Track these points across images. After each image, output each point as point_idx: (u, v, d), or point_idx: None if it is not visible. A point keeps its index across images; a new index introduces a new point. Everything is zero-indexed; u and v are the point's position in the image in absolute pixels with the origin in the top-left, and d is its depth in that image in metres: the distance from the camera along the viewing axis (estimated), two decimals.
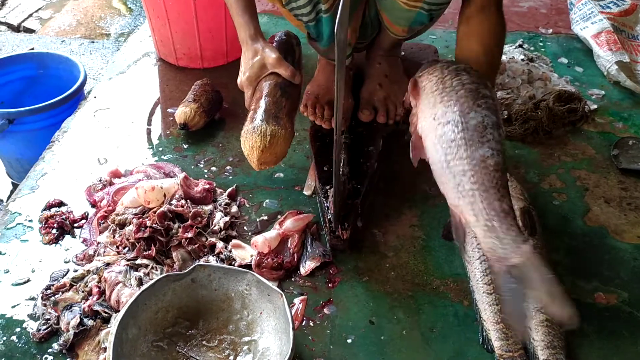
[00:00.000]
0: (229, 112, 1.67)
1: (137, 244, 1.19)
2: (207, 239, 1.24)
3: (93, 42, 2.78)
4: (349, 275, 1.21)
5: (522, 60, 1.87)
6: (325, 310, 1.14)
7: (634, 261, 1.25)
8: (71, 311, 1.09)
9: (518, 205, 1.27)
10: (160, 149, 1.53)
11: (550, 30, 2.15)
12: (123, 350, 0.97)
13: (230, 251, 1.23)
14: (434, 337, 1.10)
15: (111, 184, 1.37)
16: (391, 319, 1.13)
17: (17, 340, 1.06)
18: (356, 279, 1.20)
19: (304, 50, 1.59)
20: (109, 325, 1.07)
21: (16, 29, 3.03)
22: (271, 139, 1.20)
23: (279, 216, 1.33)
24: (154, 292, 1.05)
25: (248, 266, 1.20)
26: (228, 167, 1.47)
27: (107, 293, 1.11)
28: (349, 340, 1.09)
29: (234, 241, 1.25)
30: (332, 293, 1.17)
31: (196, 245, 1.22)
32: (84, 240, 1.25)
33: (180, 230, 1.23)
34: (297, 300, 1.15)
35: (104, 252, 1.20)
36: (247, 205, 1.37)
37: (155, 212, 1.23)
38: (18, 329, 1.08)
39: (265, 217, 1.33)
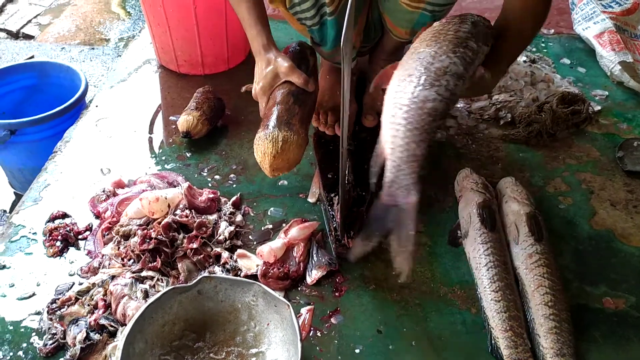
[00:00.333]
0: (231, 119, 1.67)
1: (142, 255, 1.18)
2: (212, 249, 1.24)
3: (93, 48, 2.78)
4: (356, 284, 1.21)
5: (525, 62, 1.87)
6: (333, 320, 1.13)
7: None
8: (77, 325, 1.08)
9: (524, 210, 1.27)
10: (163, 157, 1.53)
11: (552, 31, 2.14)
12: None
13: (235, 261, 1.23)
14: (442, 346, 1.09)
15: (115, 194, 1.37)
16: (399, 328, 1.12)
17: (24, 356, 1.05)
18: (363, 287, 1.20)
19: None
20: (115, 340, 1.06)
21: (15, 35, 3.02)
22: (283, 145, 1.19)
23: (283, 224, 1.32)
24: (160, 305, 1.05)
25: (254, 276, 1.20)
26: (232, 175, 1.47)
27: (113, 306, 1.10)
28: (357, 351, 1.08)
29: (239, 251, 1.25)
30: (339, 302, 1.17)
31: (201, 256, 1.21)
32: (89, 253, 1.25)
33: (185, 240, 1.22)
34: (304, 310, 1.14)
35: (109, 264, 1.19)
36: (252, 214, 1.36)
37: (159, 223, 1.23)
38: (25, 344, 1.07)
39: (270, 226, 1.33)
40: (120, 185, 1.40)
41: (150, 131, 1.63)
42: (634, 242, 1.30)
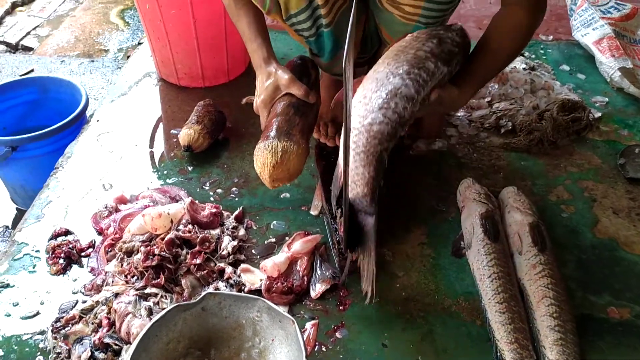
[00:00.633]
0: (233, 132, 1.67)
1: (145, 272, 1.18)
2: (215, 265, 1.24)
3: (93, 61, 2.78)
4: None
5: (524, 69, 1.87)
6: (337, 334, 1.13)
7: None
8: (82, 344, 1.08)
9: (527, 220, 1.26)
10: (165, 171, 1.53)
11: (551, 37, 2.15)
12: None
13: (239, 276, 1.23)
14: (447, 359, 1.09)
15: (117, 210, 1.37)
16: (404, 341, 1.12)
17: None
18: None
19: None
20: (120, 358, 1.06)
21: (14, 47, 3.03)
22: (282, 155, 1.19)
23: (286, 238, 1.32)
24: (164, 323, 1.04)
25: (258, 291, 1.19)
26: (234, 189, 1.47)
27: (117, 324, 1.10)
28: None
29: (242, 265, 1.25)
30: (343, 316, 1.16)
31: (205, 272, 1.21)
32: (92, 270, 1.25)
33: (188, 256, 1.22)
34: (308, 325, 1.14)
35: (113, 281, 1.19)
36: (255, 228, 1.36)
37: (163, 239, 1.23)
38: None
39: (273, 240, 1.33)
40: (122, 201, 1.40)
41: (152, 145, 1.63)
42: (637, 250, 1.30)
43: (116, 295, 1.16)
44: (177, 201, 1.40)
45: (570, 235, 1.34)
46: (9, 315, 1.15)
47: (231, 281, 1.21)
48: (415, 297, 1.20)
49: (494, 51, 1.27)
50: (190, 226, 1.28)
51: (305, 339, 1.08)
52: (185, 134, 1.53)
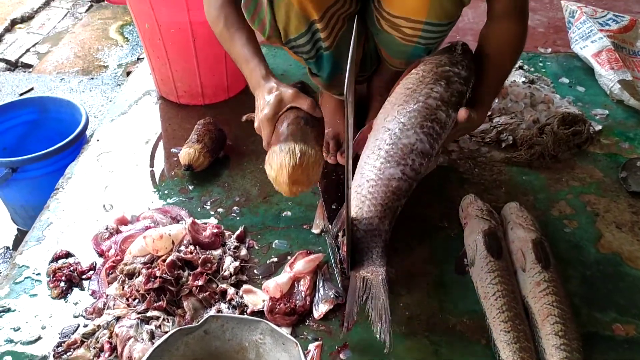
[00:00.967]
0: (233, 149, 1.67)
1: (147, 295, 1.17)
2: (217, 286, 1.23)
3: (92, 78, 2.79)
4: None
5: (524, 82, 1.87)
6: (341, 356, 1.12)
7: None
8: None
9: (530, 236, 1.26)
10: (166, 191, 1.52)
11: (550, 50, 2.15)
12: None
13: (241, 297, 1.22)
14: None
15: (118, 231, 1.36)
16: None
17: None
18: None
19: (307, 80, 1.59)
20: None
21: (14, 64, 3.04)
22: (301, 157, 1.12)
23: (288, 257, 1.32)
24: (167, 347, 1.03)
25: (260, 312, 1.19)
26: (235, 208, 1.46)
27: (119, 349, 1.09)
28: None
29: (245, 286, 1.24)
30: (347, 337, 1.15)
31: (207, 293, 1.20)
32: (93, 293, 1.24)
33: (190, 278, 1.22)
34: (311, 347, 1.13)
35: (114, 304, 1.18)
36: (257, 247, 1.35)
37: (164, 261, 1.22)
38: None
39: (275, 259, 1.32)
40: (123, 222, 1.39)
41: (152, 164, 1.62)
42: None
43: (118, 318, 1.15)
44: (178, 221, 1.39)
45: (574, 251, 1.33)
46: (11, 340, 1.14)
47: (233, 302, 1.20)
48: (419, 316, 1.19)
49: (497, 66, 1.29)
50: (191, 247, 1.27)
51: None
52: (186, 153, 1.53)
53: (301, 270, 1.25)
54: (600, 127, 1.71)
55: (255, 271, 1.29)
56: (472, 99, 1.28)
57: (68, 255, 1.32)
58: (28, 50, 3.18)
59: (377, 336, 1.02)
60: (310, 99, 1.24)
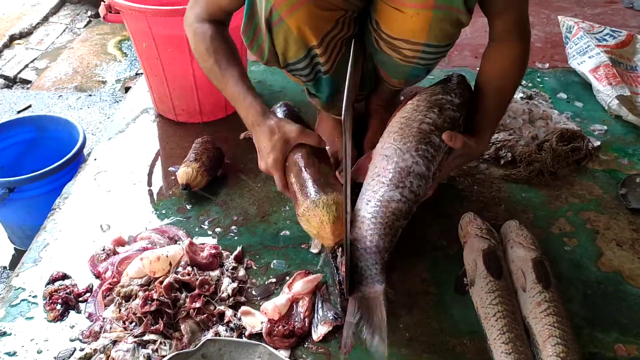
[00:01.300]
0: (231, 168, 1.66)
1: (144, 318, 1.16)
2: (215, 308, 1.22)
3: (90, 95, 2.79)
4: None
5: (522, 98, 1.87)
6: None
7: None
8: None
9: (530, 255, 1.25)
10: (164, 210, 1.51)
11: (547, 65, 2.15)
12: None
13: (239, 319, 1.21)
14: None
15: (115, 253, 1.35)
16: None
17: None
18: None
19: (303, 98, 1.60)
20: None
21: (12, 80, 3.04)
22: (337, 207, 1.14)
23: (287, 277, 1.31)
24: None
25: (259, 334, 1.17)
26: (233, 227, 1.45)
27: None
28: None
29: (243, 308, 1.23)
30: (346, 359, 1.14)
31: (205, 315, 1.19)
32: (90, 315, 1.23)
33: (187, 300, 1.20)
34: None
35: (110, 328, 1.17)
36: (255, 268, 1.34)
37: (161, 283, 1.21)
38: None
39: (274, 280, 1.31)
40: (120, 243, 1.38)
41: (150, 183, 1.62)
42: None
43: (114, 342, 1.14)
44: (175, 242, 1.38)
45: (575, 270, 1.32)
46: None
47: (231, 325, 1.19)
48: (419, 337, 1.18)
49: (498, 90, 1.29)
50: (189, 268, 1.26)
51: None
52: (184, 172, 1.52)
53: (300, 291, 1.24)
54: (599, 143, 1.71)
55: (253, 292, 1.28)
56: (472, 126, 1.30)
57: (64, 277, 1.31)
58: (26, 66, 3.19)
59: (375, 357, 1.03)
60: (315, 135, 1.25)
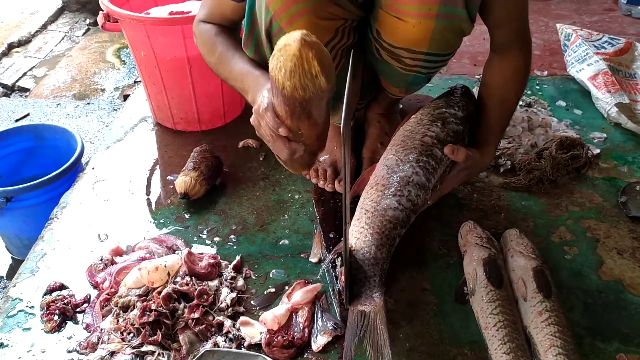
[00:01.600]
0: (230, 176, 1.65)
1: (142, 329, 1.15)
2: (214, 318, 1.21)
3: (88, 103, 2.78)
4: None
5: (521, 106, 1.87)
6: None
7: None
8: None
9: (530, 265, 1.24)
10: (162, 220, 1.51)
11: (546, 72, 2.15)
12: None
13: (238, 329, 1.20)
14: None
15: (113, 262, 1.34)
16: None
17: None
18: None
19: None
20: None
21: (10, 88, 3.03)
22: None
23: (286, 287, 1.30)
24: None
25: (258, 345, 1.17)
26: (232, 237, 1.44)
27: None
28: None
29: (242, 318, 1.22)
30: None
31: (203, 326, 1.18)
32: (87, 326, 1.21)
33: (186, 310, 1.20)
34: None
35: (108, 339, 1.16)
36: (254, 277, 1.33)
37: (159, 293, 1.20)
38: None
39: (273, 289, 1.30)
40: (118, 252, 1.37)
41: (148, 192, 1.61)
42: None
43: (112, 353, 1.13)
44: (174, 251, 1.37)
45: (575, 278, 1.31)
46: None
47: (230, 335, 1.18)
48: (420, 348, 1.17)
49: (502, 102, 1.30)
50: (187, 278, 1.26)
51: None
52: (182, 181, 1.51)
53: (299, 301, 1.23)
54: (598, 150, 1.70)
55: (252, 302, 1.27)
56: (476, 139, 1.30)
57: (62, 287, 1.30)
58: (25, 74, 3.18)
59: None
60: None
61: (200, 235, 1.45)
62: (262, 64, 1.22)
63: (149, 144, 1.83)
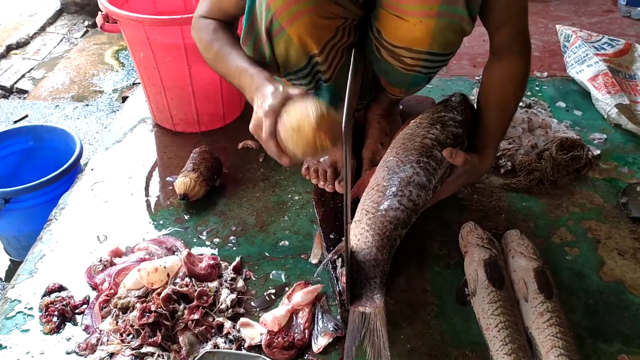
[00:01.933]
0: (229, 178, 1.65)
1: (141, 330, 1.14)
2: (214, 319, 1.20)
3: (87, 105, 2.77)
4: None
5: (521, 107, 1.86)
6: None
7: None
8: None
9: (531, 265, 1.24)
10: (161, 221, 1.50)
11: (545, 74, 2.15)
12: None
13: (238, 331, 1.19)
14: None
15: (112, 264, 1.33)
16: None
17: None
18: None
19: None
20: None
21: (9, 90, 3.03)
22: (327, 109, 1.00)
23: (287, 288, 1.29)
24: None
25: (258, 346, 1.16)
26: (231, 238, 1.44)
27: None
28: None
29: (242, 319, 1.21)
30: None
31: (203, 327, 1.18)
32: (86, 328, 1.21)
33: (186, 311, 1.19)
34: None
35: (107, 340, 1.15)
36: (254, 278, 1.33)
37: (159, 294, 1.19)
38: None
39: (273, 291, 1.29)
40: (117, 254, 1.36)
41: (147, 194, 1.60)
42: None
43: (111, 355, 1.12)
44: (173, 252, 1.37)
45: (576, 279, 1.31)
46: None
47: (230, 337, 1.18)
48: (421, 349, 1.17)
49: (501, 106, 1.29)
50: (187, 279, 1.25)
51: None
52: (182, 182, 1.51)
53: (299, 302, 1.23)
54: (598, 151, 1.70)
55: (252, 303, 1.27)
56: (475, 144, 1.30)
57: (61, 288, 1.29)
58: (23, 75, 3.17)
59: None
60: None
61: (200, 236, 1.45)
62: (254, 62, 1.22)
63: (148, 145, 1.82)
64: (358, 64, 1.33)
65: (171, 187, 1.59)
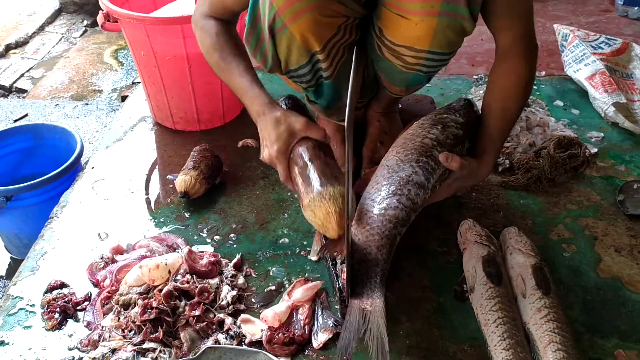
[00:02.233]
0: (229, 176, 1.66)
1: (143, 326, 1.15)
2: (215, 315, 1.21)
3: (87, 104, 2.78)
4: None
5: None
6: None
7: None
8: None
9: (529, 262, 1.25)
10: (162, 219, 1.51)
11: (543, 73, 2.16)
12: None
13: (239, 327, 1.20)
14: None
15: (113, 261, 1.34)
16: None
17: None
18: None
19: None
20: None
21: (8, 90, 3.03)
22: (343, 200, 1.10)
23: (286, 285, 1.30)
24: None
25: (259, 342, 1.17)
26: (232, 235, 1.45)
27: None
28: None
29: (242, 316, 1.22)
30: None
31: (204, 323, 1.19)
32: (88, 324, 1.22)
33: (187, 308, 1.20)
34: None
35: (109, 336, 1.16)
36: (254, 275, 1.34)
37: (160, 291, 1.20)
38: None
39: (273, 287, 1.30)
40: (118, 251, 1.37)
41: (148, 192, 1.61)
42: None
43: (113, 351, 1.13)
44: (174, 250, 1.38)
45: (574, 276, 1.32)
46: None
47: (231, 332, 1.19)
48: (420, 344, 1.18)
49: (503, 110, 1.28)
50: (188, 276, 1.26)
51: None
52: (182, 180, 1.52)
53: (299, 299, 1.24)
54: (596, 149, 1.71)
55: (253, 300, 1.28)
56: (476, 148, 1.29)
57: (63, 285, 1.30)
58: (22, 75, 3.18)
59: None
60: (321, 129, 1.22)
61: (201, 234, 1.46)
62: (254, 73, 1.28)
63: (148, 143, 1.83)
64: (359, 62, 1.34)
65: (172, 185, 1.60)
